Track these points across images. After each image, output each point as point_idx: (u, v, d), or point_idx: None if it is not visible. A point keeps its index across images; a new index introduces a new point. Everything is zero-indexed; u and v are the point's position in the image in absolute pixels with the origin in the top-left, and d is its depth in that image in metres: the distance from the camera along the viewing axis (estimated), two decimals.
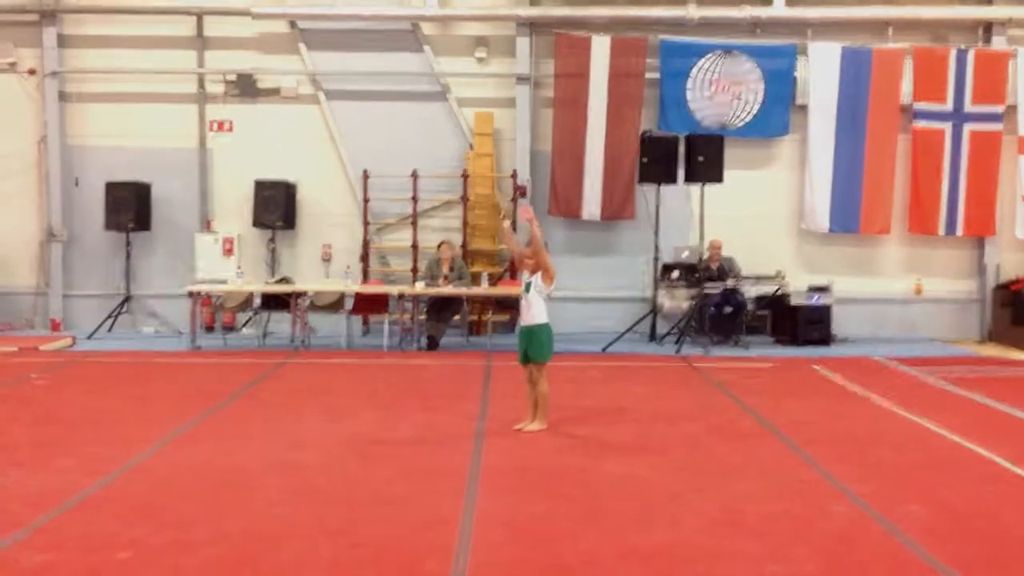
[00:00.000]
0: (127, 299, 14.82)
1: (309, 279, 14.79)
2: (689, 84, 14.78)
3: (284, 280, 14.08)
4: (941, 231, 14.84)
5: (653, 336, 14.09)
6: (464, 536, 5.35)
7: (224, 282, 14.01)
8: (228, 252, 15.06)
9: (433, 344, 13.32)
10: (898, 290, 15.16)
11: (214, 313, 14.72)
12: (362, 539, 5.32)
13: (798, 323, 13.89)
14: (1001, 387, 10.41)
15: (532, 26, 14.92)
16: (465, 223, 14.92)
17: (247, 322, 14.71)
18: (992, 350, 14.00)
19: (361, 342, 14.21)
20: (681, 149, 13.78)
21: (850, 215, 14.79)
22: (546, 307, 8.13)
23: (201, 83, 15.23)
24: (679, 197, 14.37)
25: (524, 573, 4.85)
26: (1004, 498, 6.17)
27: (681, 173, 13.76)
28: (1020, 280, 14.68)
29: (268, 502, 6.01)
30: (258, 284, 14.05)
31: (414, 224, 14.91)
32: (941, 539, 5.33)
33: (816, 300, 13.95)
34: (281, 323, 14.11)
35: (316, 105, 15.19)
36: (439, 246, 13.70)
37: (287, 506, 5.92)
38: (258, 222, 14.86)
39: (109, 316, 14.53)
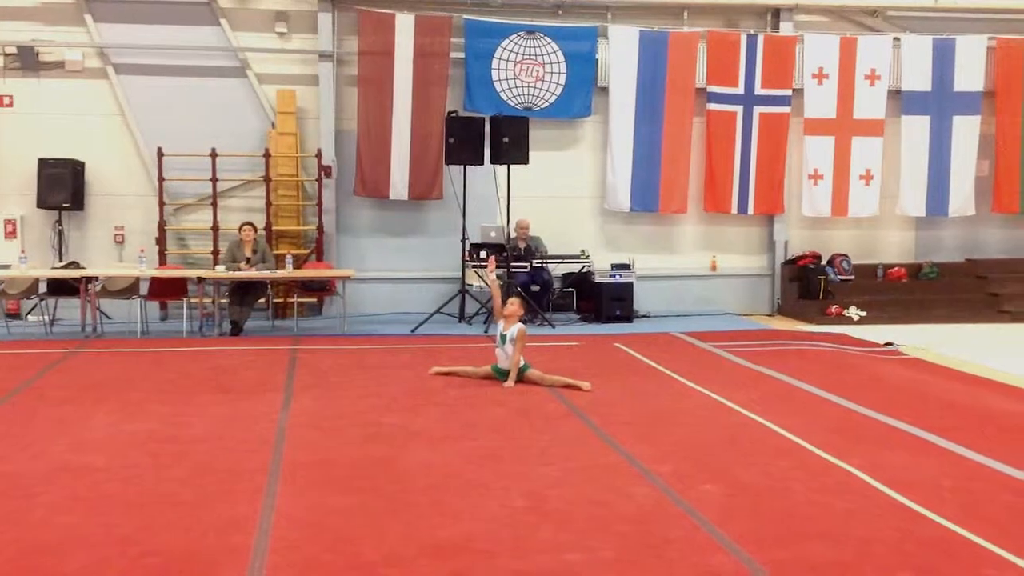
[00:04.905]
0: None
1: (100, 263, 14.06)
2: (494, 64, 14.81)
3: (73, 264, 13.30)
4: (734, 210, 15.49)
5: (462, 316, 14.12)
6: (262, 538, 5.16)
7: (7, 267, 13.18)
8: (10, 235, 14.23)
9: (236, 329, 12.88)
10: (695, 266, 15.77)
11: None
12: (154, 547, 5.04)
13: (602, 300, 14.25)
14: (789, 360, 10.96)
15: (334, 1, 14.58)
16: (268, 204, 14.49)
17: (32, 309, 13.85)
18: (780, 323, 14.77)
19: (158, 328, 13.60)
20: (487, 130, 13.84)
21: (649, 195, 15.23)
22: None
23: None
24: (486, 177, 14.42)
25: (323, 574, 4.72)
26: (794, 473, 6.42)
27: (487, 153, 13.82)
28: (806, 256, 15.53)
29: (50, 510, 5.62)
30: (44, 269, 13.25)
31: (214, 205, 14.36)
32: (734, 517, 5.50)
33: (618, 278, 14.35)
34: (70, 310, 13.34)
35: (105, 80, 14.39)
36: (241, 227, 13.22)
37: (71, 514, 5.55)
38: (43, 203, 13.99)
39: None
